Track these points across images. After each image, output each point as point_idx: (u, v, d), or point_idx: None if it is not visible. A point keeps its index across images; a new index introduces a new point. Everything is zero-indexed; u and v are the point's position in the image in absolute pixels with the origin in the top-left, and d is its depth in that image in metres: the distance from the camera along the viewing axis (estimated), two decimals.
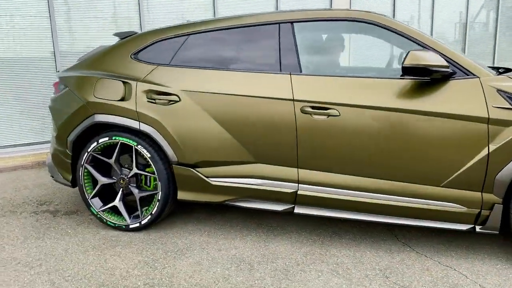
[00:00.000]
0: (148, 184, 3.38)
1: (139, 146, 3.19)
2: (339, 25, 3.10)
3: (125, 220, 3.35)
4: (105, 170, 3.44)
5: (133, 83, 3.19)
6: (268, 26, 3.09)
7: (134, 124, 3.16)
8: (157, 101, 3.13)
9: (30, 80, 5.67)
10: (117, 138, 3.23)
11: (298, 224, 3.44)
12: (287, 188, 2.99)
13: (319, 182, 2.92)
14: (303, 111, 2.86)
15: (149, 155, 3.17)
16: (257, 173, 3.04)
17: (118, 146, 3.25)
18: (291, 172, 2.98)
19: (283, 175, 2.99)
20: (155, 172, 3.18)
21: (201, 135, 3.07)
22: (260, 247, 3.08)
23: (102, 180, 3.36)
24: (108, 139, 3.25)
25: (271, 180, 3.02)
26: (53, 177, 3.62)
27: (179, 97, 3.09)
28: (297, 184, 2.97)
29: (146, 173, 3.26)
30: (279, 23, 3.07)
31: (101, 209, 3.38)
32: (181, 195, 3.22)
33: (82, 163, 3.35)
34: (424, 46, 2.78)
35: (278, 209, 3.05)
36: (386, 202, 2.81)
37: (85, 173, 3.37)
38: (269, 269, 2.77)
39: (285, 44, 3.01)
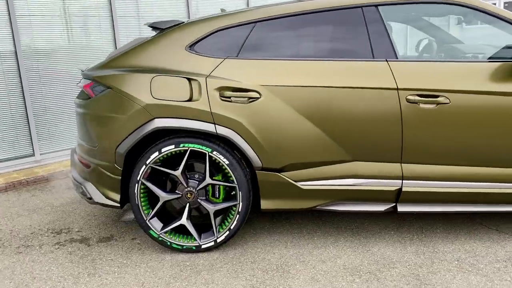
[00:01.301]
0: (217, 196, 2.93)
1: (214, 153, 2.73)
2: (430, 8, 2.92)
3: (195, 240, 2.86)
4: (161, 184, 2.92)
5: (201, 79, 2.72)
6: (350, 10, 2.81)
7: (209, 127, 2.70)
8: (233, 99, 2.70)
9: None
10: (186, 145, 2.74)
11: (377, 223, 3.22)
12: (390, 185, 2.75)
13: (426, 176, 2.72)
14: (408, 101, 2.64)
15: (227, 162, 2.73)
16: (354, 172, 2.76)
17: (187, 154, 2.75)
18: (393, 168, 2.74)
19: (384, 172, 2.75)
20: (234, 181, 2.75)
21: (289, 134, 2.71)
22: (363, 252, 2.80)
23: (164, 196, 2.83)
24: (175, 147, 2.74)
25: (370, 178, 2.76)
26: (91, 198, 2.98)
27: (259, 93, 2.70)
28: (400, 181, 2.74)
29: (225, 184, 2.80)
30: (362, 7, 2.81)
31: (163, 230, 2.85)
32: (265, 204, 2.82)
33: (138, 178, 2.79)
34: None
35: (381, 209, 2.80)
36: (501, 190, 2.70)
37: (142, 190, 2.82)
38: (395, 275, 2.51)
39: (374, 29, 2.76)
